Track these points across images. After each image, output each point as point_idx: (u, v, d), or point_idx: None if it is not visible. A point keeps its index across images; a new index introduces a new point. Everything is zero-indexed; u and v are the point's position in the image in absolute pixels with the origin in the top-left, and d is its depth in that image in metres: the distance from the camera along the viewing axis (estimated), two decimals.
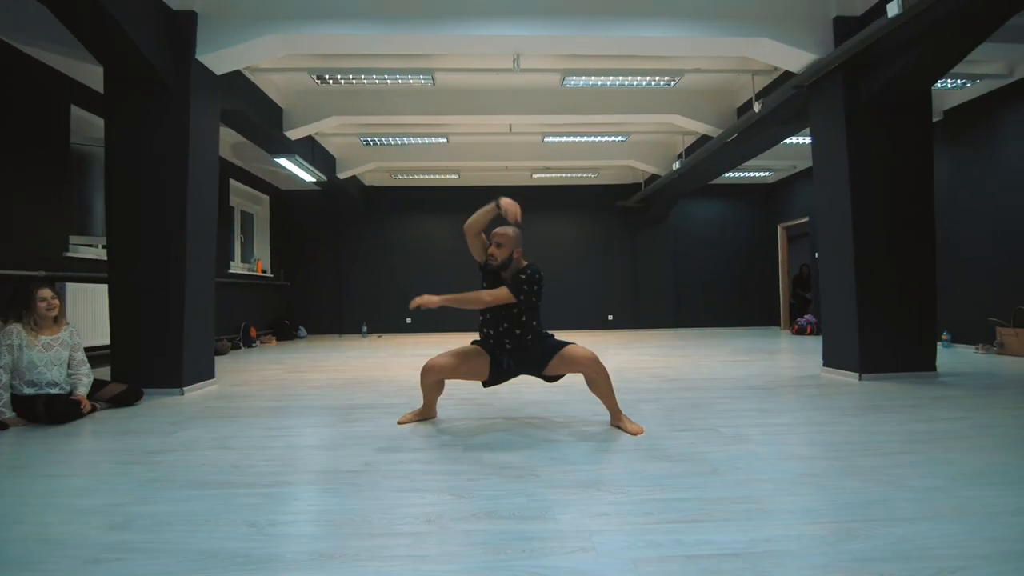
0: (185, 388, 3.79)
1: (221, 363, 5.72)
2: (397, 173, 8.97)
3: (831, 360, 4.34)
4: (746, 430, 2.59)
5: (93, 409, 3.15)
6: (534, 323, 2.62)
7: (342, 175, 7.97)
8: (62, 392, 3.05)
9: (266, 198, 8.99)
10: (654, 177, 8.72)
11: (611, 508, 1.66)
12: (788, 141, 6.46)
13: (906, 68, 3.69)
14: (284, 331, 8.86)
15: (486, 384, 2.71)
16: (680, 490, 1.79)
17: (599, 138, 7.23)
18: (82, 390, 3.15)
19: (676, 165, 7.03)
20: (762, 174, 9.45)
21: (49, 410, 2.89)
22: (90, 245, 5.13)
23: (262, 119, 5.45)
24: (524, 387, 3.64)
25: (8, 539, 1.50)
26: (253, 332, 7.80)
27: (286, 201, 9.41)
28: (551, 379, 2.71)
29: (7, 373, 2.88)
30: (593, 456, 2.22)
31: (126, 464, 2.18)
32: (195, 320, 3.93)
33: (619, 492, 1.79)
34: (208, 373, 4.16)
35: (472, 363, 2.65)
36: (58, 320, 3.10)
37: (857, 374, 4.00)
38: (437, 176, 9.06)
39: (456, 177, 9.11)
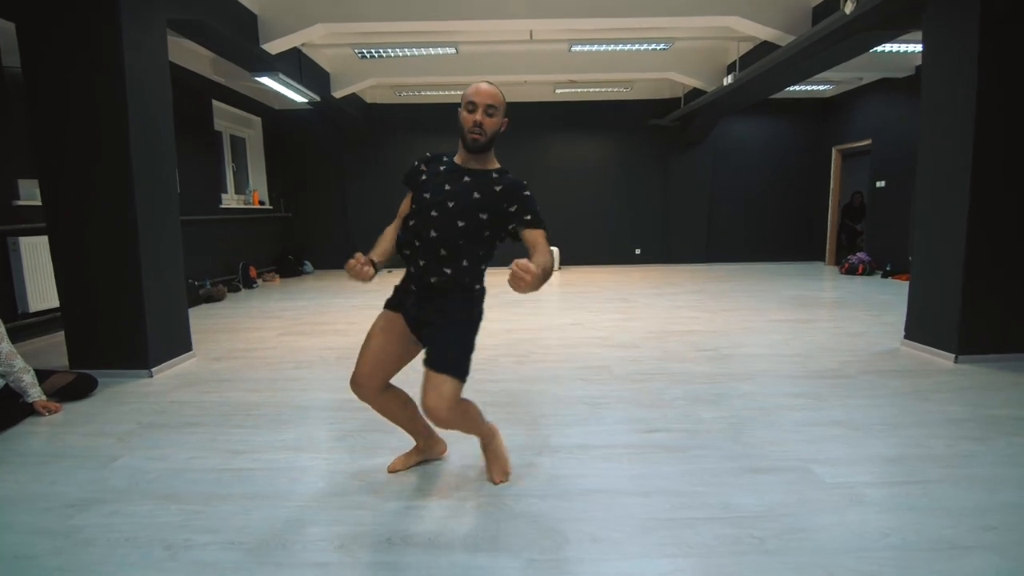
0: (154, 368, 3.25)
1: (213, 314, 5.20)
2: (401, 90, 7.91)
3: (917, 333, 3.62)
4: (848, 470, 1.95)
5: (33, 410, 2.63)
6: (481, 268, 1.76)
7: (338, 93, 6.98)
8: None
9: (258, 120, 8.06)
10: (696, 92, 7.55)
11: None
12: (874, 49, 5.27)
13: None
14: (288, 267, 8.28)
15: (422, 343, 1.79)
16: None
17: (636, 46, 6.07)
18: (35, 392, 2.62)
19: (728, 79, 5.92)
20: (820, 87, 8.16)
21: None
22: None
23: (231, 30, 4.49)
24: None
25: None
26: (253, 272, 7.22)
27: (281, 123, 8.46)
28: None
29: None
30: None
31: (28, 536, 1.64)
32: (158, 277, 3.31)
33: None
34: (183, 344, 3.60)
35: (389, 333, 1.77)
36: None
37: (952, 355, 3.29)
38: (447, 92, 7.97)
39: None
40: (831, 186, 8.72)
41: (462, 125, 1.68)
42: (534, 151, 8.75)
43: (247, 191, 7.88)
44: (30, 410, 2.62)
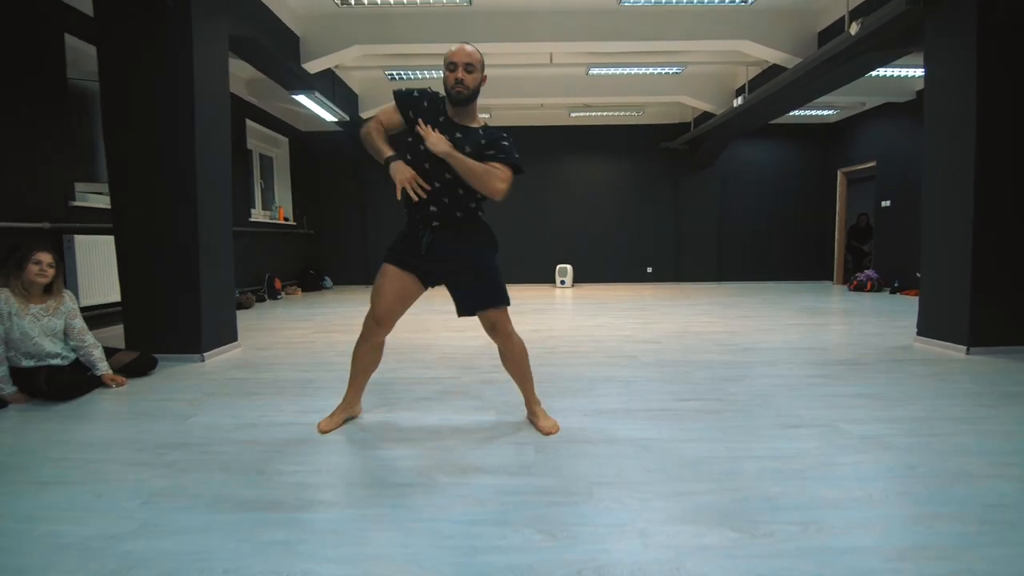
0: (206, 354, 3.44)
1: (245, 318, 5.39)
2: None
3: (929, 329, 3.79)
4: (874, 427, 2.11)
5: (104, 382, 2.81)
6: (480, 213, 2.05)
7: (365, 114, 7.34)
8: (64, 363, 2.70)
9: (285, 140, 8.43)
10: (705, 116, 7.90)
11: None
12: (872, 73, 5.60)
13: None
14: (310, 281, 8.52)
15: (428, 285, 2.09)
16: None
17: (651, 70, 6.44)
18: (102, 367, 2.81)
19: (738, 101, 6.24)
20: (825, 112, 8.52)
21: (51, 385, 2.54)
22: (99, 193, 4.70)
23: (277, 48, 4.84)
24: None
25: None
26: (278, 284, 7.45)
27: (306, 143, 8.83)
28: (465, 314, 2.08)
29: (1, 344, 2.51)
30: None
31: (133, 466, 1.81)
32: (213, 275, 3.54)
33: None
34: (230, 335, 3.79)
35: (395, 281, 2.02)
36: (50, 290, 2.68)
37: (964, 347, 3.46)
38: None
39: (487, 116, 8.39)
40: (837, 208, 8.98)
41: (446, 84, 1.91)
42: (549, 173, 9.07)
43: (273, 207, 8.18)
44: (98, 382, 2.81)
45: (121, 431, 2.16)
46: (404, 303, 2.07)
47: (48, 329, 2.66)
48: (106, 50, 3.33)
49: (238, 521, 1.44)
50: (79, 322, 2.78)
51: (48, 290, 2.67)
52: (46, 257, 2.61)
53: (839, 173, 8.88)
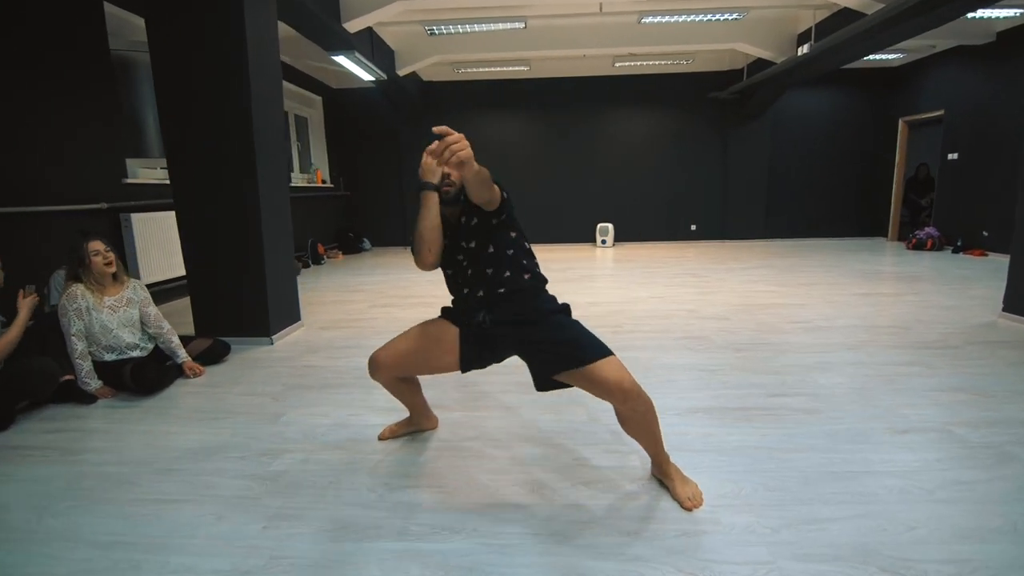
0: (274, 336, 3.46)
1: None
2: (460, 67, 7.93)
3: (1018, 305, 3.58)
4: (990, 433, 2.00)
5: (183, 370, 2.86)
6: (525, 264, 1.72)
7: (401, 71, 7.05)
8: (144, 355, 2.73)
9: (319, 99, 8.21)
10: (760, 64, 7.39)
11: None
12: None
13: None
14: (349, 244, 8.50)
15: (463, 367, 1.79)
16: None
17: (708, 16, 5.98)
18: (182, 354, 2.85)
19: (803, 49, 5.79)
20: (888, 56, 7.88)
21: (136, 379, 2.57)
22: (150, 168, 4.66)
23: (318, 7, 4.59)
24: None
25: None
26: (321, 248, 7.45)
27: (339, 101, 8.60)
28: (547, 386, 1.66)
29: (82, 340, 2.53)
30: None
31: (242, 479, 1.82)
32: (275, 252, 3.50)
33: None
34: (294, 314, 3.80)
35: (430, 341, 1.79)
36: (118, 277, 2.68)
37: None
38: (504, 68, 7.98)
39: (526, 69, 8.01)
40: (896, 158, 8.47)
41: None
42: (589, 126, 8.71)
43: (311, 170, 8.07)
44: (179, 372, 2.85)
45: (218, 434, 2.17)
46: (424, 361, 1.81)
47: (126, 320, 2.68)
48: (155, 22, 3.18)
49: (365, 553, 1.43)
50: (153, 309, 2.79)
51: (116, 278, 2.68)
52: (99, 245, 2.59)
53: (900, 122, 8.32)
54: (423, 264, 1.70)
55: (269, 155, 3.41)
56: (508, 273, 1.69)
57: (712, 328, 3.59)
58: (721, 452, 1.92)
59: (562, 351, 1.58)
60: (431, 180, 1.63)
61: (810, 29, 5.96)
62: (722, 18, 6.03)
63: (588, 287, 5.13)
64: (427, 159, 1.60)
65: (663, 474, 1.70)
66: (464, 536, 1.49)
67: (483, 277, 1.70)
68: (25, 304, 2.48)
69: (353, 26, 5.16)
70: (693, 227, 9.01)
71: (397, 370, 1.86)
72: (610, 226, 8.58)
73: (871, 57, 7.70)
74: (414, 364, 1.84)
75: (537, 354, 1.65)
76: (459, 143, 1.24)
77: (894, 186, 8.55)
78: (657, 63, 7.99)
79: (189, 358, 2.88)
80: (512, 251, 1.71)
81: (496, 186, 1.58)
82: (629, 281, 5.47)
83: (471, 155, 1.27)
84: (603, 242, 8.58)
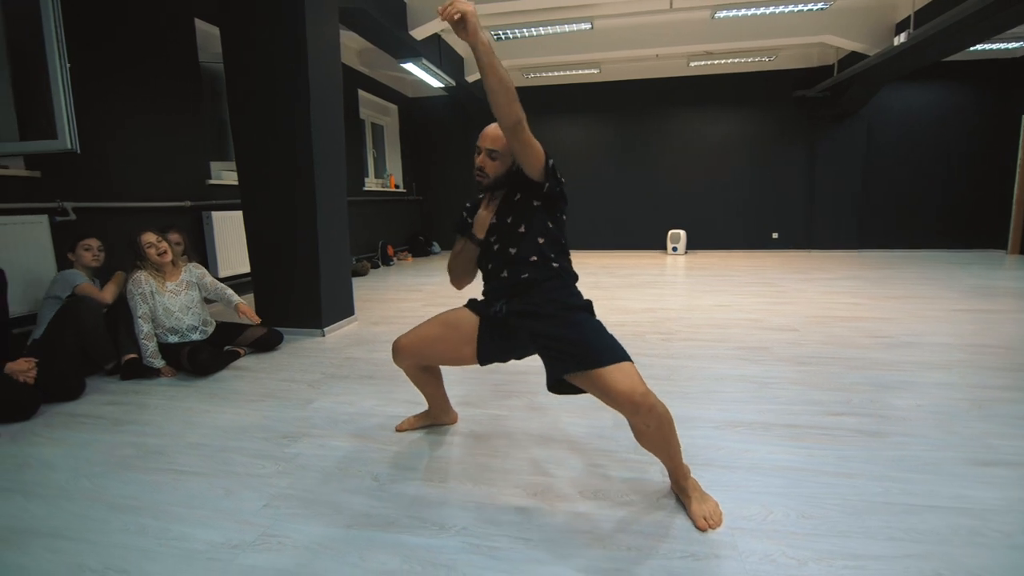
0: (326, 328, 3.58)
1: (361, 286, 5.62)
2: (529, 71, 7.94)
3: None
4: None
5: (237, 355, 3.02)
6: (553, 256, 1.64)
7: (470, 78, 7.18)
8: (203, 338, 2.93)
9: (394, 108, 8.54)
10: (852, 58, 6.79)
11: None
12: None
13: None
14: (419, 247, 8.74)
15: (480, 359, 1.72)
16: None
17: (790, 8, 5.57)
18: (235, 298, 3.08)
19: (900, 38, 5.24)
20: (1006, 46, 6.96)
21: (192, 361, 2.74)
22: (230, 170, 5.02)
23: (384, 17, 4.77)
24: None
25: None
26: (391, 250, 7.71)
27: (413, 110, 8.90)
28: (559, 388, 1.56)
29: (148, 323, 2.75)
30: None
31: (258, 458, 1.86)
32: (330, 250, 3.63)
33: None
34: (348, 309, 3.92)
35: (450, 328, 1.74)
36: (176, 263, 2.93)
37: None
38: (575, 71, 7.89)
39: (597, 72, 7.88)
40: (1018, 161, 7.46)
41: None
42: (662, 129, 8.41)
43: (384, 175, 8.40)
44: (233, 356, 3.01)
45: (251, 415, 2.26)
46: (444, 349, 1.77)
47: (188, 303, 2.90)
48: (226, 31, 3.42)
49: (351, 540, 1.40)
50: (210, 278, 3.05)
51: (174, 264, 2.92)
52: (151, 237, 2.84)
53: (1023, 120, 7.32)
54: (456, 286, 1.85)
55: (327, 159, 3.54)
56: (535, 258, 1.63)
57: (775, 339, 3.29)
58: (754, 470, 1.72)
59: (571, 350, 1.48)
60: (477, 234, 1.72)
61: (908, 16, 5.38)
62: (805, 8, 5.59)
63: (647, 293, 4.90)
64: (482, 213, 1.71)
65: (680, 490, 1.55)
66: (452, 534, 1.42)
67: (508, 257, 1.66)
68: (115, 278, 2.94)
69: (419, 33, 5.31)
70: (775, 236, 8.42)
71: (418, 356, 1.83)
72: (682, 233, 8.21)
73: (983, 46, 6.84)
74: (434, 351, 1.80)
75: (547, 350, 1.55)
76: (462, 2, 1.33)
77: (1016, 192, 7.52)
78: (736, 61, 7.57)
79: (242, 301, 3.08)
80: (543, 240, 1.65)
81: (538, 144, 1.54)
82: (694, 289, 5.17)
83: (473, 10, 1.34)
84: (674, 249, 8.22)
